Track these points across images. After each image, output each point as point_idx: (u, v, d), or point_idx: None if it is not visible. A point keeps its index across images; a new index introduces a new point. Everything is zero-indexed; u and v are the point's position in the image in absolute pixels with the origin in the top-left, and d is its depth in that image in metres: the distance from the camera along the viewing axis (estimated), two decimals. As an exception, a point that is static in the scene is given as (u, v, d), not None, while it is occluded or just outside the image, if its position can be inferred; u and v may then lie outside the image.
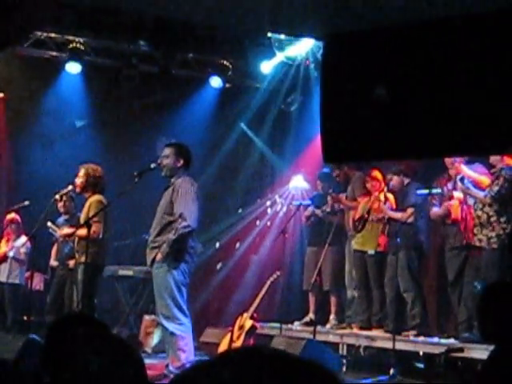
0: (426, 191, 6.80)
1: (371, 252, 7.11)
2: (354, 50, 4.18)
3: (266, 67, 8.61)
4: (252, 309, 6.80)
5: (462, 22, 3.77)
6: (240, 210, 9.34)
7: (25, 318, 7.62)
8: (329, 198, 7.55)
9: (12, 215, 7.99)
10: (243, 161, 9.39)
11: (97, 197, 6.20)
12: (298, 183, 8.36)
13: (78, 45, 8.29)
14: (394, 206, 6.90)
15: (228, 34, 7.80)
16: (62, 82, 8.79)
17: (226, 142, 9.19)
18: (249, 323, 6.65)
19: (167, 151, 5.69)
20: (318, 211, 7.68)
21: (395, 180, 6.81)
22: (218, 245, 9.17)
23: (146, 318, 7.68)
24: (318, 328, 6.88)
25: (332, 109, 4.23)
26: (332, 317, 7.61)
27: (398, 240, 6.55)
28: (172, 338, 5.35)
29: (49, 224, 6.91)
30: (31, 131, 8.75)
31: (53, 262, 7.33)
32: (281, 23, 5.15)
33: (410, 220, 6.62)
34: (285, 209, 8.89)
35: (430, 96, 3.84)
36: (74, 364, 1.65)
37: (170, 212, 5.48)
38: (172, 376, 4.87)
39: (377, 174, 7.07)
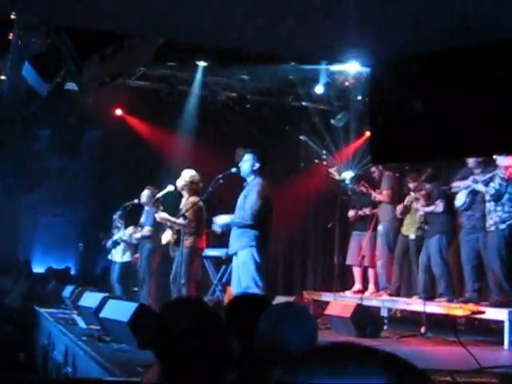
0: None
1: (412, 236, 8.72)
2: (395, 74, 4.80)
3: (319, 89, 10.36)
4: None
5: (477, 52, 4.45)
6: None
7: (135, 288, 9.64)
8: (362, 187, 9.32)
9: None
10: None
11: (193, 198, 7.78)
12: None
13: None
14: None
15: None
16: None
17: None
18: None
19: (246, 157, 6.67)
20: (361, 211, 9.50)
21: (427, 186, 8.41)
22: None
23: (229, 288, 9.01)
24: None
25: (378, 121, 4.98)
26: (370, 286, 9.20)
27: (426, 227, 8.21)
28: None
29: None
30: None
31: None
32: (333, 53, 6.25)
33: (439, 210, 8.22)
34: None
35: (455, 110, 4.50)
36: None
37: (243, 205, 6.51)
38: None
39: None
